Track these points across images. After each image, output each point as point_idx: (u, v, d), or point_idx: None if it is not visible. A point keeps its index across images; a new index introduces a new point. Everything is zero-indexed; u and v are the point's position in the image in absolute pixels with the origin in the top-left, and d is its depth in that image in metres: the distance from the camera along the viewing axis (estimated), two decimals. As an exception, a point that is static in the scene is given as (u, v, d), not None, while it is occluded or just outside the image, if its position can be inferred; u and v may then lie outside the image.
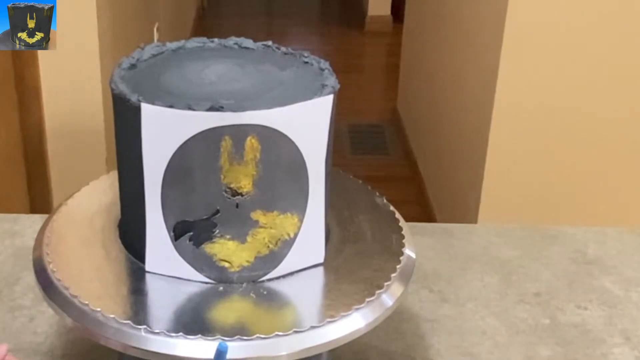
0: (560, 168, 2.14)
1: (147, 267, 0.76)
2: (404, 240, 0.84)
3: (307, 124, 0.73)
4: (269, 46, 0.85)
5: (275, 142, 0.71)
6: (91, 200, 0.89)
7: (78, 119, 1.96)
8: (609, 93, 2.06)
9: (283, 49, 0.85)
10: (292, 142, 0.72)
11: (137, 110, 0.70)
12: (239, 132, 0.70)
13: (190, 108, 0.69)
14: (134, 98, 0.71)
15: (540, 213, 2.15)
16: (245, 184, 0.72)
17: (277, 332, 0.69)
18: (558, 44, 2.00)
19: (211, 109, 0.69)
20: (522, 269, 1.07)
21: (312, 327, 0.71)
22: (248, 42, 0.86)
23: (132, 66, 0.80)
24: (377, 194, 0.93)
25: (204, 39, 0.86)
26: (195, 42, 0.85)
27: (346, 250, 0.82)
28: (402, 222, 0.87)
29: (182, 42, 0.85)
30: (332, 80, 0.76)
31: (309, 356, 0.71)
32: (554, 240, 1.13)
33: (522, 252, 1.10)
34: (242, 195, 0.72)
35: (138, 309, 0.73)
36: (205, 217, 0.73)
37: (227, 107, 0.69)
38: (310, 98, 0.72)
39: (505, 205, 2.17)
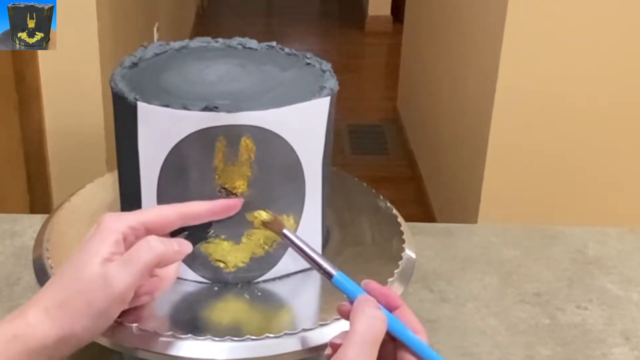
0: (560, 168, 2.14)
1: (145, 267, 0.76)
2: (403, 238, 0.84)
3: (303, 125, 0.72)
4: (272, 47, 0.85)
5: (270, 143, 0.71)
6: (91, 200, 0.89)
7: (78, 119, 1.96)
8: (609, 94, 2.06)
9: (286, 49, 0.84)
10: (288, 144, 0.72)
11: (134, 109, 0.70)
12: (233, 133, 0.69)
13: (185, 108, 0.69)
14: (131, 97, 0.71)
15: (540, 213, 2.15)
16: (240, 185, 0.72)
17: (267, 334, 0.69)
18: (558, 44, 2.00)
19: (205, 109, 0.69)
20: (522, 269, 1.06)
21: (304, 330, 0.70)
22: (252, 43, 0.85)
23: (134, 65, 0.79)
24: (376, 192, 0.92)
25: (208, 39, 0.85)
26: (199, 42, 0.85)
27: (345, 252, 0.81)
28: (401, 222, 0.87)
29: (185, 42, 0.84)
30: (331, 82, 0.75)
31: (304, 358, 0.71)
32: (554, 240, 1.13)
33: (522, 252, 1.10)
34: (236, 196, 0.72)
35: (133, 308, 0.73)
36: (200, 216, 0.73)
37: (221, 108, 0.69)
38: (307, 100, 0.72)
39: (505, 205, 2.17)
